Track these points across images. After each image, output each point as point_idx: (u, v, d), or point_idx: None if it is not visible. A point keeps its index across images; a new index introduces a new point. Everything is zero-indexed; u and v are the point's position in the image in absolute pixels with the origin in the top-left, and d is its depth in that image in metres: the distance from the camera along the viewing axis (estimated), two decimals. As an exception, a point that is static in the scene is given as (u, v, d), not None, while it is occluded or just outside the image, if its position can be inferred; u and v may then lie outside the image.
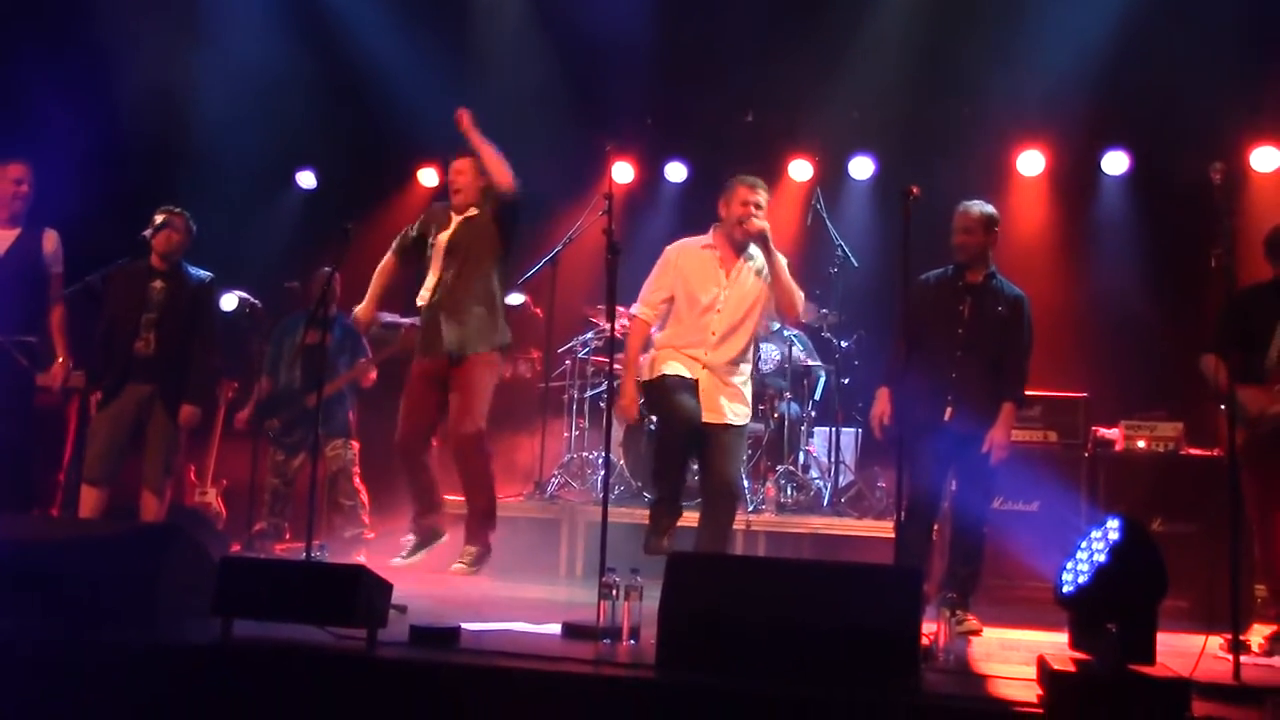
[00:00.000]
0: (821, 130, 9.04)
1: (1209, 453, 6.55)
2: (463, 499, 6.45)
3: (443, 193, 6.60)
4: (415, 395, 6.26)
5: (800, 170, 9.27)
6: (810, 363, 8.11)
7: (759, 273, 5.79)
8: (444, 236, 6.31)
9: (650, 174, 9.45)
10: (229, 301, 8.24)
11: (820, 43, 8.55)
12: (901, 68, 8.35)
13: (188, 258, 6.50)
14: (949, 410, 5.60)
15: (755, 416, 8.06)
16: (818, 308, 8.03)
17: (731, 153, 9.39)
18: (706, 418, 5.63)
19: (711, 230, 5.86)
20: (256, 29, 8.91)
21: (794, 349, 8.03)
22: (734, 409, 5.73)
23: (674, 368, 5.67)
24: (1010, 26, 8.16)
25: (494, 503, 6.35)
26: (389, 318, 7.72)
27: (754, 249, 5.75)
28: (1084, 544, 4.07)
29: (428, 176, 9.90)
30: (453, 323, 6.16)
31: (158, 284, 6.28)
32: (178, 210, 6.36)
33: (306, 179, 10.03)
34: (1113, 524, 3.94)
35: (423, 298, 6.29)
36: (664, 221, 9.21)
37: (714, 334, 5.66)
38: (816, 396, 8.11)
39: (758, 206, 5.70)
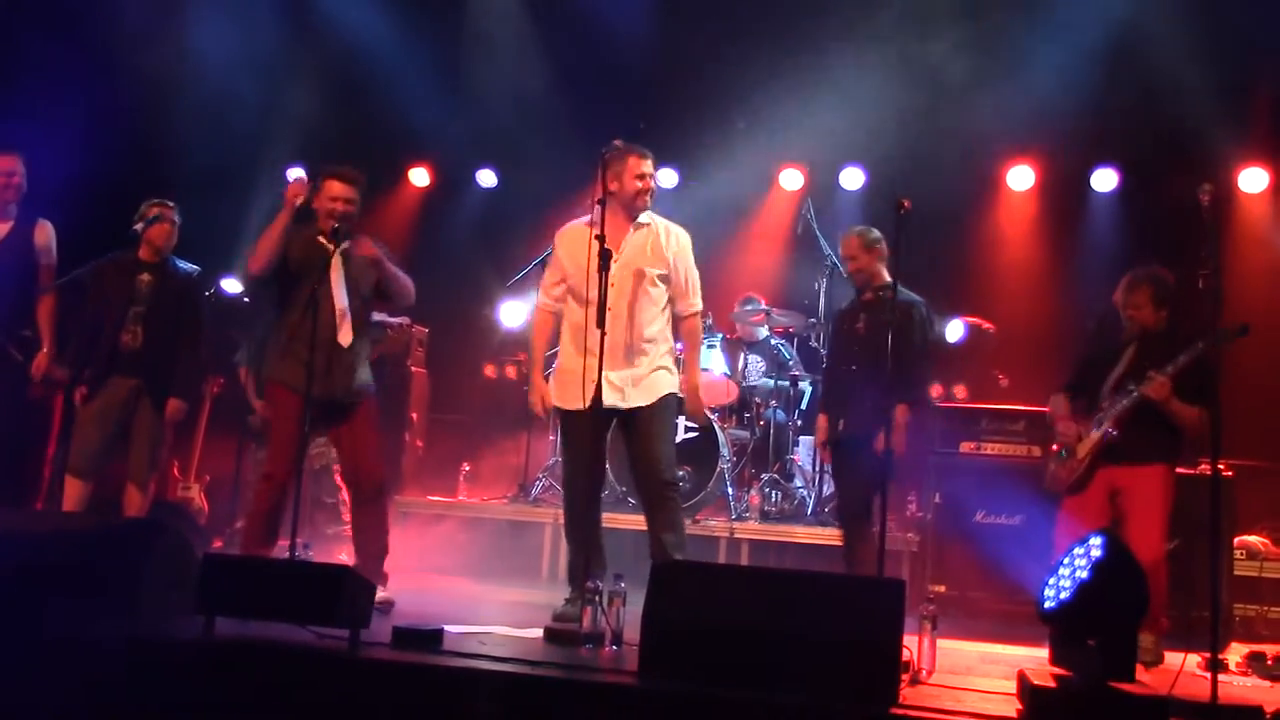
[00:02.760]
0: (812, 140, 9.06)
1: (1190, 471, 6.57)
2: (446, 500, 6.40)
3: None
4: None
5: (791, 179, 9.31)
6: (796, 372, 8.14)
7: (650, 237, 5.52)
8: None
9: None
10: (233, 285, 8.23)
11: (812, 54, 8.57)
12: (893, 80, 8.38)
13: (176, 252, 6.49)
14: (841, 422, 6.05)
15: (741, 424, 8.12)
16: (806, 317, 8.06)
17: (723, 161, 9.43)
18: (620, 401, 5.34)
19: (595, 210, 5.42)
20: (249, 24, 8.89)
21: (780, 358, 8.06)
22: (650, 385, 5.42)
23: (567, 396, 5.41)
24: (1002, 42, 8.21)
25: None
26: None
27: (644, 218, 5.46)
28: (1066, 560, 4.09)
29: (419, 176, 9.91)
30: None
31: (145, 277, 6.25)
32: (168, 203, 6.33)
33: (296, 176, 10.01)
34: (1095, 541, 3.97)
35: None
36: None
37: (610, 309, 5.18)
38: (803, 405, 8.13)
39: (651, 178, 5.48)
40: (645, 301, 5.44)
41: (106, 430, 6.17)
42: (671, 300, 5.56)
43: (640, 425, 5.41)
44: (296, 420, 5.26)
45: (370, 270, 5.59)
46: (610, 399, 5.28)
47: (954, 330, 8.28)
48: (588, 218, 5.50)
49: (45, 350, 6.28)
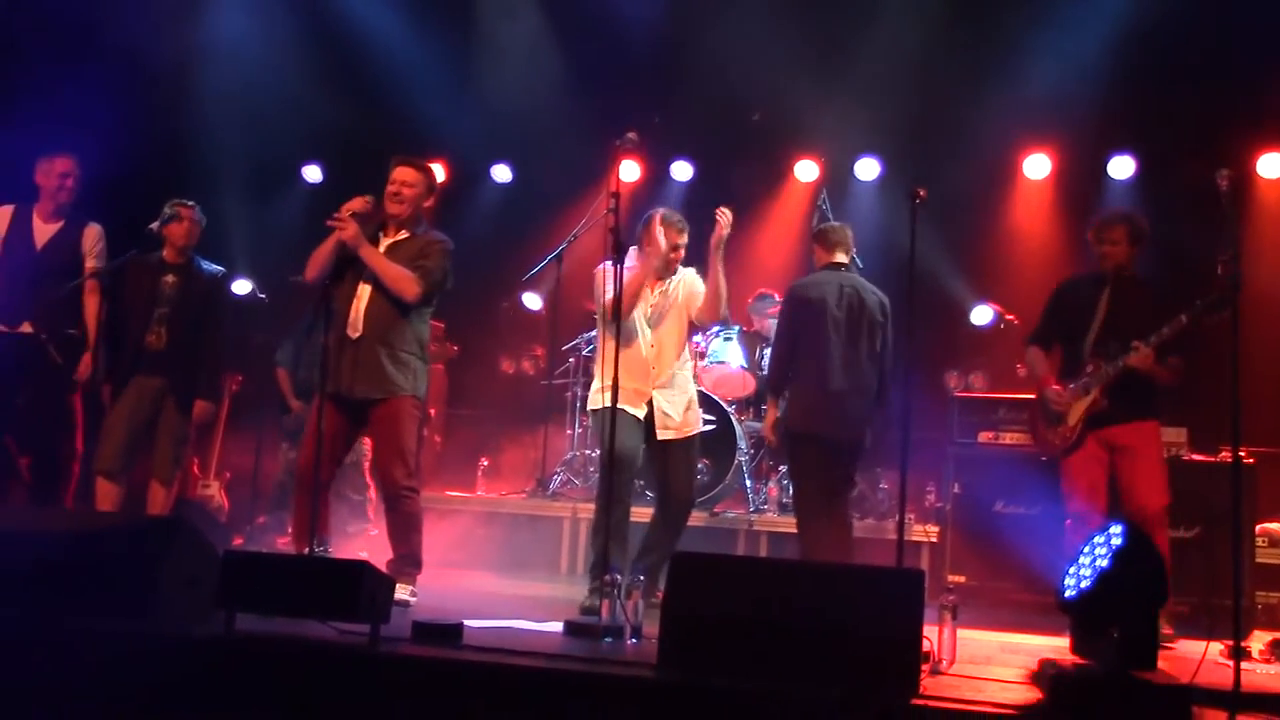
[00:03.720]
0: (828, 131, 9.04)
1: (1211, 458, 6.55)
2: (464, 495, 6.40)
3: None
4: None
5: (806, 171, 9.28)
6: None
7: (687, 283, 5.89)
8: None
9: (657, 172, 9.47)
10: (242, 286, 8.27)
11: (827, 44, 8.55)
12: (908, 70, 8.35)
13: (197, 251, 6.52)
14: None
15: (759, 416, 8.10)
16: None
17: (738, 152, 9.41)
18: (670, 433, 5.77)
19: (631, 253, 5.82)
20: (264, 23, 8.92)
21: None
22: (689, 418, 5.86)
23: (626, 400, 5.59)
24: (1018, 30, 8.17)
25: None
26: None
27: (681, 270, 5.87)
28: (1087, 549, 4.08)
29: (434, 171, 9.91)
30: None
31: (170, 278, 6.28)
32: (189, 203, 6.35)
33: (313, 173, 10.06)
34: (1115, 530, 3.95)
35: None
36: (669, 220, 9.21)
37: (653, 346, 5.78)
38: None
39: (683, 249, 5.86)
40: (684, 339, 5.90)
41: (134, 430, 6.21)
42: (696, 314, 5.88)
43: (678, 454, 5.77)
44: (320, 417, 5.25)
45: (406, 263, 5.45)
46: (661, 422, 5.73)
47: (982, 314, 8.24)
48: (627, 263, 5.61)
49: (91, 350, 6.31)
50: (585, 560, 7.17)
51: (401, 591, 5.14)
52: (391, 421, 5.40)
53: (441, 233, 5.70)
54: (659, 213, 5.87)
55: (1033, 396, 6.04)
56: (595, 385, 5.85)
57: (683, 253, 5.88)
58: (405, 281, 5.36)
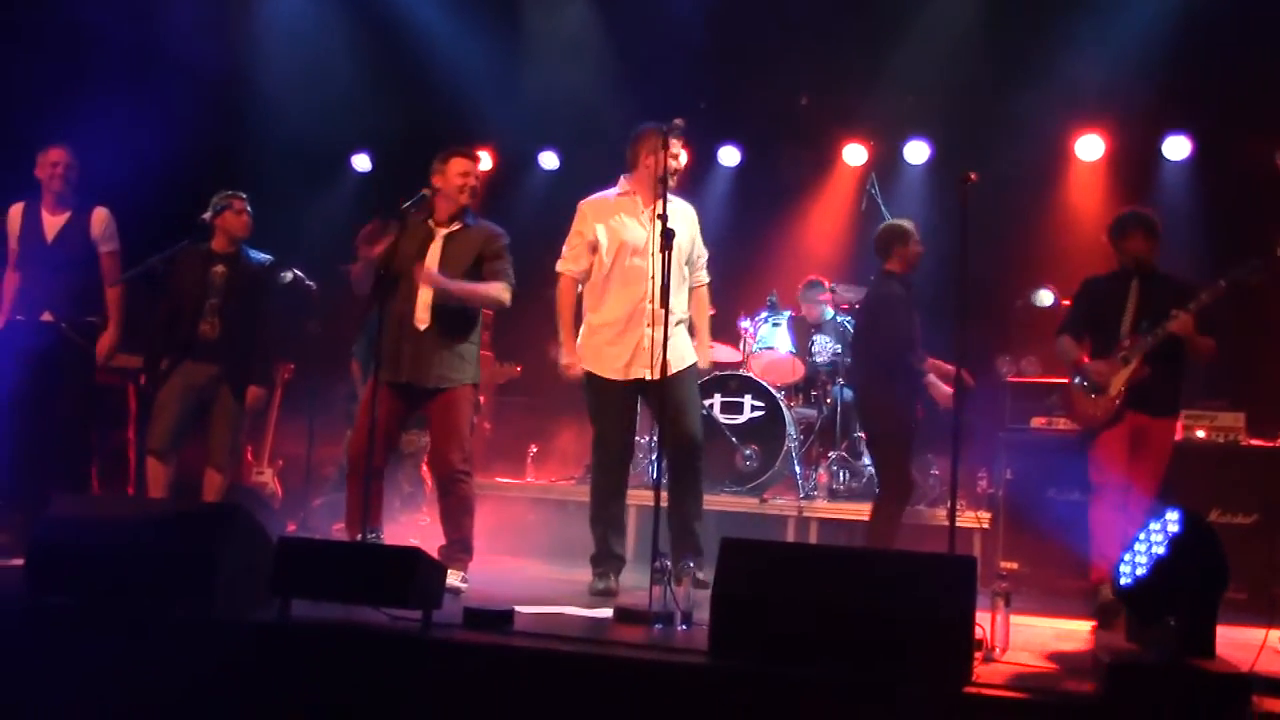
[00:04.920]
0: (876, 114, 8.97)
1: (1270, 443, 6.45)
2: (514, 481, 6.41)
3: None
4: None
5: (854, 154, 9.21)
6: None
7: (685, 218, 5.72)
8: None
9: (703, 158, 9.42)
10: (284, 277, 8.32)
11: (876, 26, 8.48)
12: (958, 51, 8.26)
13: (247, 241, 6.58)
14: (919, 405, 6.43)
15: (808, 402, 8.08)
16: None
17: (785, 136, 9.36)
18: (655, 374, 5.35)
19: (622, 179, 5.78)
20: (315, 15, 8.97)
21: (849, 335, 7.99)
22: (679, 355, 5.58)
23: (603, 364, 5.63)
24: (1070, 8, 8.05)
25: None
26: None
27: (671, 198, 5.49)
28: (1142, 536, 4.03)
29: (481, 159, 9.93)
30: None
31: (219, 268, 6.35)
32: (239, 194, 6.42)
33: (362, 162, 10.13)
34: (1172, 516, 3.90)
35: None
36: (717, 205, 9.19)
37: (650, 277, 5.46)
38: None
39: (679, 159, 5.63)
40: (677, 277, 5.57)
41: (184, 411, 6.28)
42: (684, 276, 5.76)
43: (677, 394, 5.52)
44: (373, 406, 5.29)
45: (468, 256, 5.56)
46: (645, 369, 5.49)
47: (1044, 298, 8.10)
48: (614, 190, 5.76)
49: (110, 333, 6.38)
50: (636, 547, 7.17)
51: (453, 578, 5.19)
52: (452, 408, 5.51)
53: (490, 221, 5.76)
54: (650, 125, 5.65)
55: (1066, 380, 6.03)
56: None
57: (679, 165, 5.60)
58: (497, 296, 5.55)
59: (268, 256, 6.59)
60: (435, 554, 5.33)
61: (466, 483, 5.54)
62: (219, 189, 6.47)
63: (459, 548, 5.51)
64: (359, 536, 5.33)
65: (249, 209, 6.44)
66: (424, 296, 5.47)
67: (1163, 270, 5.84)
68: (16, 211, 6.43)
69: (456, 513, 5.53)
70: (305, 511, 7.59)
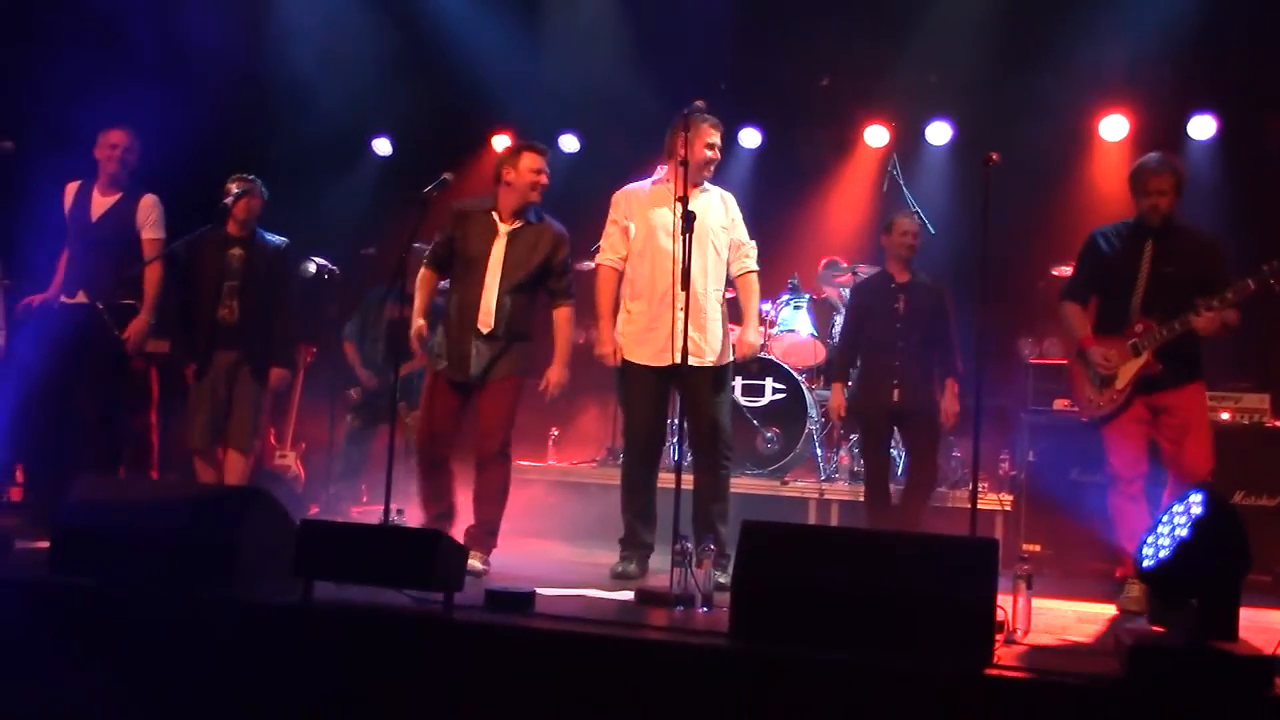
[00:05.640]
0: (898, 95, 8.90)
1: (1296, 423, 6.42)
2: (535, 464, 6.44)
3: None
4: None
5: (876, 136, 9.15)
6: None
7: (714, 201, 5.72)
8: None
9: (724, 140, 9.35)
10: (308, 269, 8.37)
11: (898, 5, 8.41)
12: (981, 30, 8.18)
13: (265, 224, 6.61)
14: (897, 394, 6.42)
15: (829, 385, 8.06)
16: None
17: (806, 118, 9.31)
18: (698, 359, 5.51)
19: (661, 167, 5.78)
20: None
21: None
22: (718, 348, 5.65)
23: (638, 350, 5.64)
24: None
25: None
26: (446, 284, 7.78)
27: (707, 185, 5.58)
28: (1166, 518, 4.01)
29: (501, 143, 9.93)
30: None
31: (236, 251, 6.39)
32: (252, 178, 6.46)
33: (383, 146, 10.13)
34: (1195, 498, 3.88)
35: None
36: (738, 188, 9.12)
37: (682, 266, 5.34)
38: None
39: (719, 149, 5.68)
40: (716, 263, 5.65)
41: (216, 405, 6.36)
42: (729, 262, 5.77)
43: (705, 388, 5.54)
44: (433, 398, 5.60)
45: (534, 257, 5.63)
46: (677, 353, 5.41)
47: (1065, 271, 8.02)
48: (649, 181, 5.77)
49: (143, 317, 6.39)
50: (657, 529, 7.18)
51: (475, 559, 5.25)
52: (504, 395, 5.63)
53: (555, 219, 5.80)
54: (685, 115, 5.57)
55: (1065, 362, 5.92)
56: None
57: (718, 154, 5.68)
58: (571, 325, 5.79)
59: (283, 239, 6.62)
60: (460, 536, 5.44)
61: (503, 467, 5.61)
62: (241, 173, 6.50)
63: (484, 530, 5.56)
64: (432, 516, 5.54)
65: (263, 192, 6.49)
66: (488, 300, 5.55)
67: (1180, 223, 5.46)
68: (71, 190, 6.48)
69: (488, 495, 5.58)
70: (327, 494, 7.64)
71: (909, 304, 6.48)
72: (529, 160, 5.58)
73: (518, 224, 5.63)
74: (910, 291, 6.51)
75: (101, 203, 6.44)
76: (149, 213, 6.48)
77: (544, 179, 5.63)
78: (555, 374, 5.72)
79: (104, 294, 6.35)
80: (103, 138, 6.45)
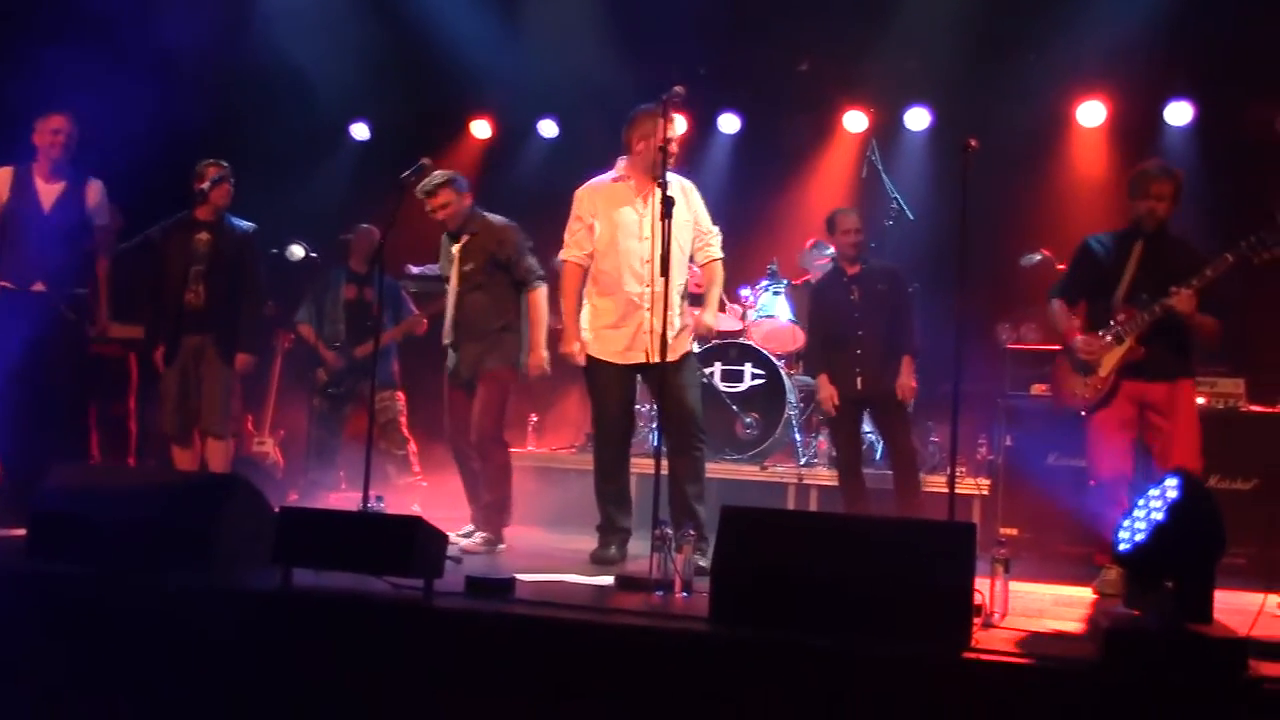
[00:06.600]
0: (877, 81, 8.91)
1: (1270, 409, 6.46)
2: (515, 450, 6.53)
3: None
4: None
5: (855, 121, 9.16)
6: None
7: (679, 199, 5.59)
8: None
9: (703, 125, 9.38)
10: (295, 253, 8.35)
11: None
12: (960, 16, 8.19)
13: (242, 209, 6.58)
14: (860, 381, 6.57)
15: (806, 372, 8.07)
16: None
17: (785, 104, 9.31)
18: (654, 357, 5.46)
19: (619, 162, 5.78)
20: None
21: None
22: (683, 339, 5.64)
23: (603, 346, 5.68)
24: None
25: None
26: (417, 270, 7.77)
27: (670, 176, 5.43)
28: (1142, 502, 4.04)
29: (480, 128, 9.91)
30: None
31: (203, 235, 6.37)
32: (223, 163, 6.43)
33: (361, 131, 10.08)
34: (1171, 482, 3.90)
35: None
36: (717, 173, 9.16)
37: (648, 263, 5.52)
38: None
39: (675, 142, 5.57)
40: (680, 258, 5.63)
41: (184, 390, 6.33)
42: (692, 254, 5.81)
43: (674, 377, 5.53)
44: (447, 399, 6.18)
45: (480, 257, 6.05)
46: (644, 352, 5.59)
47: (1033, 259, 8.05)
48: (611, 174, 5.79)
49: (102, 307, 6.38)
50: (637, 515, 7.18)
51: (476, 539, 5.88)
52: (483, 390, 6.01)
53: (495, 215, 6.20)
54: (642, 108, 5.67)
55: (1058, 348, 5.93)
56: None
57: (674, 147, 5.51)
58: (543, 306, 6.07)
59: (251, 225, 6.59)
60: (470, 517, 6.12)
61: (495, 453, 6.05)
62: (217, 158, 6.46)
63: (494, 509, 5.98)
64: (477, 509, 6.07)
65: (232, 178, 6.47)
66: (449, 313, 6.12)
67: (1173, 233, 5.49)
68: (5, 176, 6.33)
69: (486, 480, 6.04)
70: (306, 480, 7.62)
71: (863, 293, 6.61)
72: (427, 206, 6.08)
73: (465, 239, 6.09)
74: (863, 280, 6.64)
75: (49, 191, 6.35)
76: (99, 199, 6.42)
77: (440, 213, 6.09)
78: (531, 359, 5.99)
79: (60, 284, 6.27)
80: (42, 124, 6.33)
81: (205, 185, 6.29)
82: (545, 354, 6.01)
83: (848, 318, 6.60)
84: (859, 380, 6.53)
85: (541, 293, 6.08)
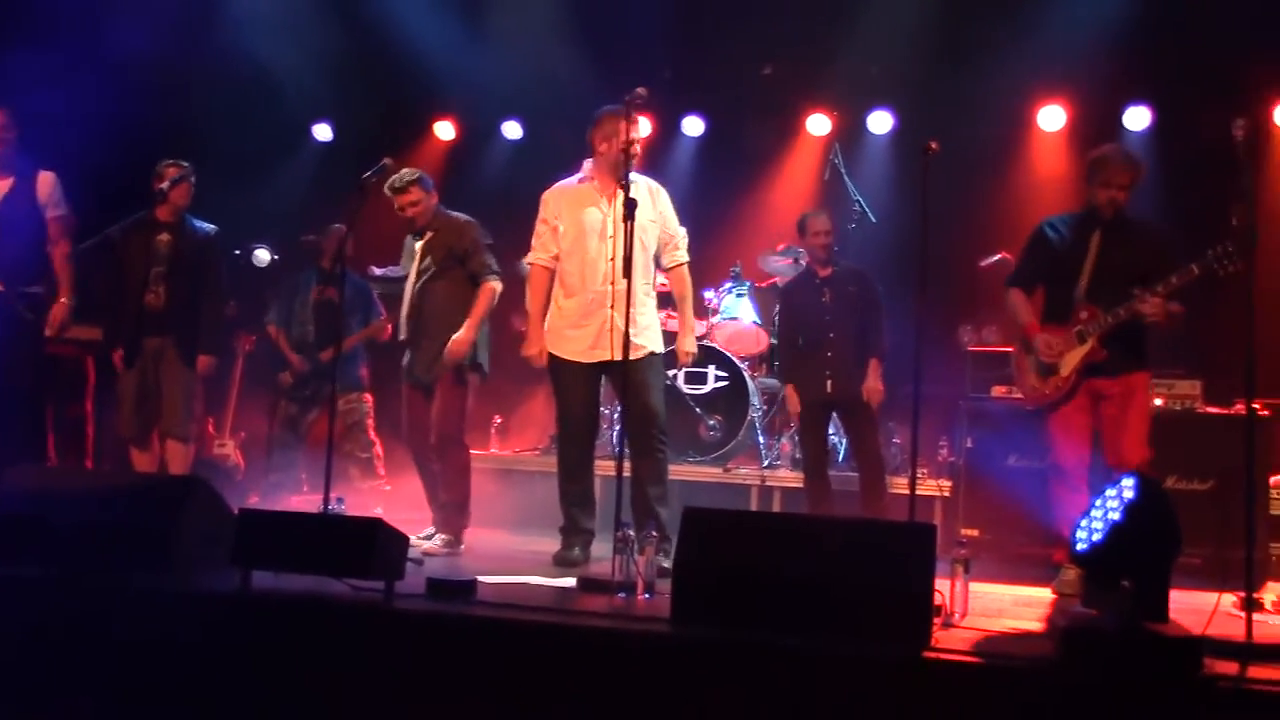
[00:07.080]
0: (840, 84, 8.95)
1: (1226, 410, 6.53)
2: (478, 453, 6.51)
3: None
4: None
5: (818, 125, 9.21)
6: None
7: (645, 199, 5.64)
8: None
9: (667, 128, 9.40)
10: (261, 258, 8.31)
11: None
12: (922, 21, 8.25)
13: (205, 209, 6.53)
14: (830, 384, 6.60)
15: (771, 372, 8.10)
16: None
17: (749, 107, 9.33)
18: (615, 355, 5.47)
19: (585, 164, 5.81)
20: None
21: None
22: (647, 338, 5.65)
23: (568, 345, 5.70)
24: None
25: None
26: (380, 271, 7.74)
27: (634, 177, 5.46)
28: (1099, 502, 4.08)
29: (443, 129, 9.88)
30: None
31: (164, 237, 6.31)
32: (184, 163, 6.37)
33: (323, 132, 10.03)
34: (1127, 482, 3.95)
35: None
36: (681, 176, 9.17)
37: (612, 262, 5.53)
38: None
39: (638, 143, 5.61)
40: (643, 256, 5.62)
41: (142, 392, 6.27)
42: (658, 256, 5.80)
43: (637, 376, 5.51)
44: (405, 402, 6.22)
45: (438, 253, 6.08)
46: (608, 351, 5.58)
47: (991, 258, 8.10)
48: (577, 176, 5.82)
49: (62, 301, 6.17)
50: (600, 517, 7.18)
51: (437, 541, 5.92)
52: (440, 391, 6.04)
53: (457, 213, 6.22)
54: (605, 110, 5.71)
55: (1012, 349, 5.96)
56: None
57: (637, 149, 5.55)
58: (489, 300, 6.05)
59: (212, 226, 6.54)
60: (431, 519, 6.12)
61: (453, 454, 6.07)
62: (177, 159, 6.41)
63: (452, 510, 6.00)
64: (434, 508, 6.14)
65: (193, 178, 6.40)
66: (403, 310, 6.15)
67: (1130, 216, 5.50)
68: None
69: (443, 480, 6.06)
70: (266, 482, 7.57)
71: (834, 295, 6.63)
72: (396, 203, 6.10)
73: (428, 235, 6.11)
74: (834, 283, 6.67)
75: None
76: (51, 190, 6.21)
77: (410, 210, 6.09)
78: (455, 337, 5.92)
79: (13, 282, 6.12)
80: None
81: (165, 185, 6.23)
82: (471, 338, 5.93)
83: (818, 320, 6.63)
84: (829, 383, 6.56)
85: (492, 287, 6.03)
